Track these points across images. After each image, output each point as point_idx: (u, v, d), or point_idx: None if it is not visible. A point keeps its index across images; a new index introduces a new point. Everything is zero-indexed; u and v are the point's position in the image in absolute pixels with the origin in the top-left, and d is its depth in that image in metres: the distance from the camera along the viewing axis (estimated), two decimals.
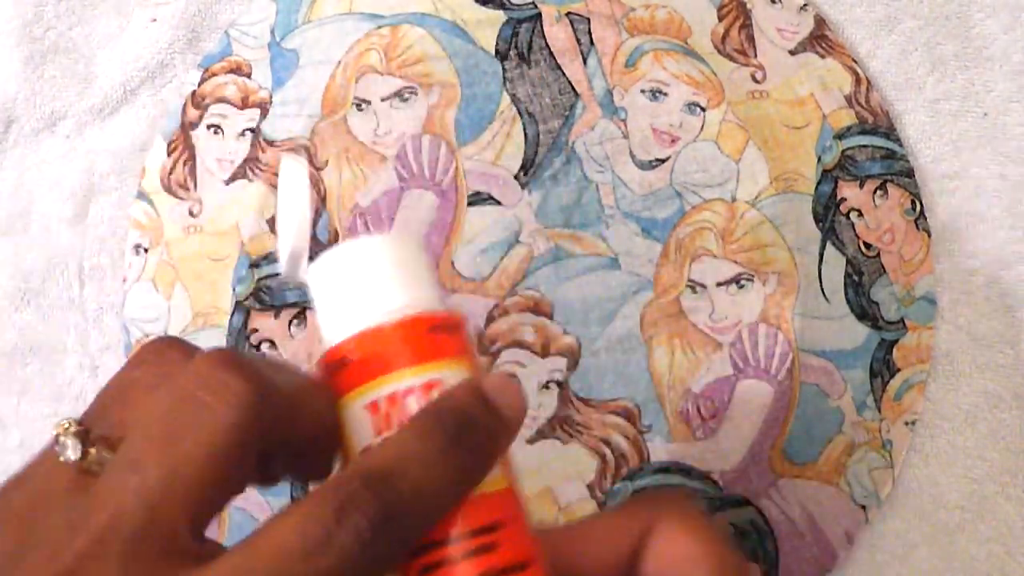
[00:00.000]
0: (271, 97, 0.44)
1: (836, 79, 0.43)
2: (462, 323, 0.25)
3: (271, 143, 0.43)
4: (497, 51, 0.43)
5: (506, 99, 0.43)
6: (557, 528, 0.26)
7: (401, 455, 0.21)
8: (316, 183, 0.43)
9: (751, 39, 0.43)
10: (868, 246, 0.42)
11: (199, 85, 0.45)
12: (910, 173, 0.43)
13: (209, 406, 0.21)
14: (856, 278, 0.42)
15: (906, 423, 0.41)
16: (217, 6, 0.46)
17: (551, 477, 0.41)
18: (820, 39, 0.43)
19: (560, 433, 0.41)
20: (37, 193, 0.46)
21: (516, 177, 0.43)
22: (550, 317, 0.42)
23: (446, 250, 0.42)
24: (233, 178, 0.44)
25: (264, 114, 0.44)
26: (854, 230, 0.42)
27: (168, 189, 0.44)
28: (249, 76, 0.44)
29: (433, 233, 0.42)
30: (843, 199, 0.42)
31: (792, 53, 0.43)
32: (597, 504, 0.41)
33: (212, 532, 0.43)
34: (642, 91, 0.43)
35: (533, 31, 0.43)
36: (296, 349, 0.42)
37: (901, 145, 0.43)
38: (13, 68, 0.46)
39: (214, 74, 0.45)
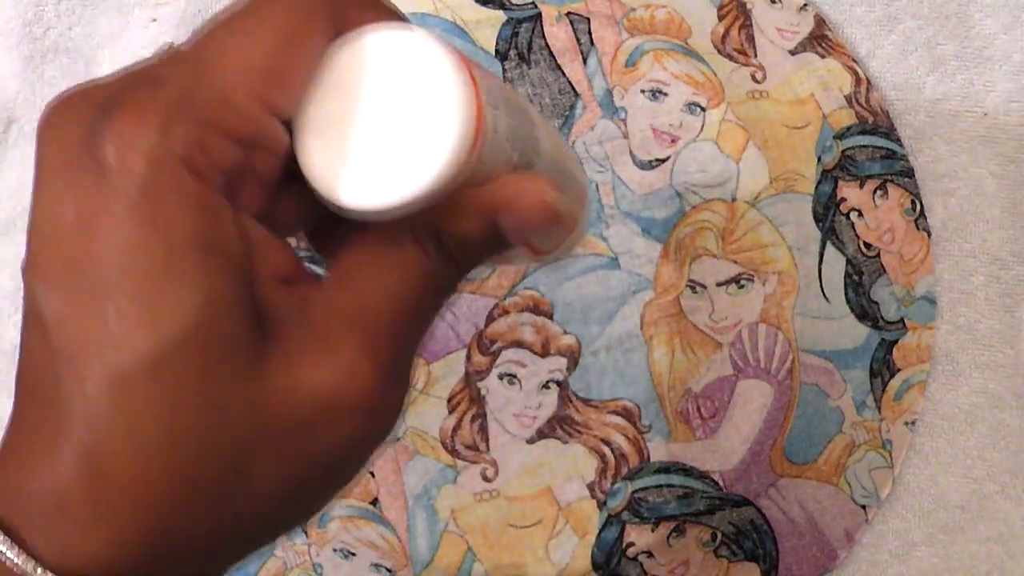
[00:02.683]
0: None
1: (836, 79, 0.43)
2: None
3: None
4: (497, 51, 0.43)
5: None
6: None
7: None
8: None
9: (751, 39, 0.43)
10: (868, 246, 0.42)
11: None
12: (910, 173, 0.43)
13: None
14: (856, 278, 0.42)
15: (906, 423, 0.41)
16: (217, 6, 0.46)
17: (551, 477, 0.41)
18: (820, 39, 0.43)
19: (560, 433, 0.41)
20: None
21: None
22: (550, 317, 0.42)
23: None
24: None
25: None
26: (854, 230, 0.42)
27: None
28: None
29: None
30: (843, 199, 0.42)
31: (792, 53, 0.43)
32: (597, 504, 0.41)
33: None
34: (642, 91, 0.43)
35: (533, 31, 0.43)
36: None
37: (901, 145, 0.43)
38: (13, 68, 0.46)
39: None
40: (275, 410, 0.18)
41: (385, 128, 0.18)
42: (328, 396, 0.19)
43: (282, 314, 0.19)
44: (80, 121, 0.18)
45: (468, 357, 0.42)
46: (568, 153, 0.25)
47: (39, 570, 0.17)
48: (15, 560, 0.17)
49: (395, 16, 0.21)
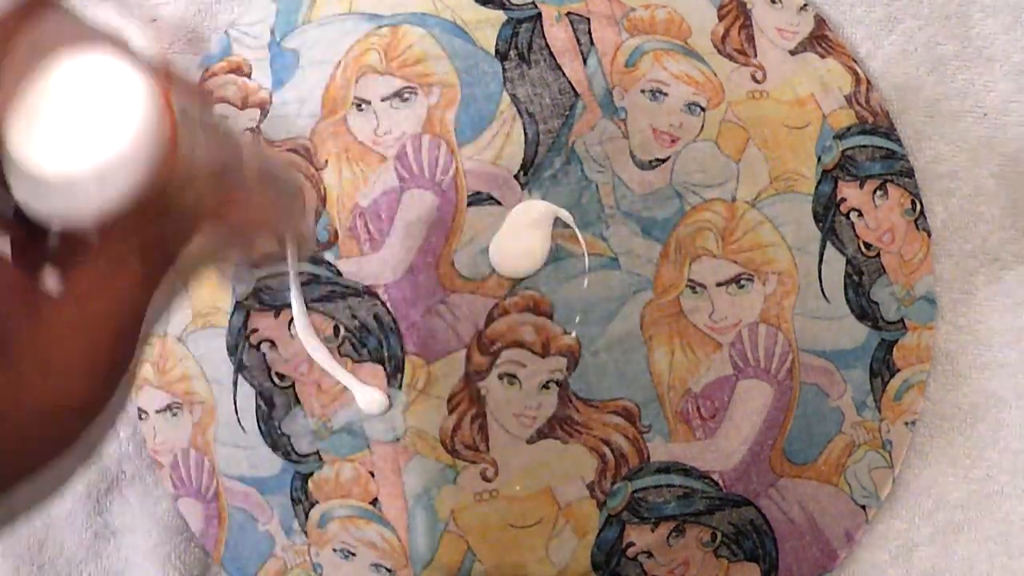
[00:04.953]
0: (271, 97, 0.44)
1: (836, 79, 0.43)
2: None
3: (271, 143, 0.43)
4: (497, 51, 0.43)
5: (506, 99, 0.43)
6: None
7: None
8: (316, 183, 0.43)
9: (751, 39, 0.43)
10: (868, 246, 0.42)
11: (199, 85, 0.45)
12: (910, 173, 0.43)
13: None
14: (856, 278, 0.42)
15: (906, 423, 0.41)
16: (217, 6, 0.46)
17: (551, 477, 0.41)
18: (820, 39, 0.43)
19: (560, 433, 0.41)
20: None
21: (516, 177, 0.43)
22: (550, 317, 0.42)
23: (446, 250, 0.42)
24: None
25: (264, 114, 0.44)
26: (854, 230, 0.42)
27: None
28: (249, 76, 0.44)
29: (433, 233, 0.42)
30: (843, 199, 0.42)
31: (792, 53, 0.43)
32: (597, 504, 0.41)
33: (212, 532, 0.43)
34: (642, 91, 0.43)
35: (533, 31, 0.43)
36: (297, 349, 0.42)
37: (901, 145, 0.43)
38: None
39: (214, 74, 0.45)
40: None
41: (79, 117, 0.21)
42: (41, 408, 0.21)
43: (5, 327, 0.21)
44: None
45: (468, 357, 0.42)
46: (277, 169, 0.30)
47: None
48: None
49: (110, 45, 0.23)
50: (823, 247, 0.42)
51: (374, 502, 0.42)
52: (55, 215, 0.21)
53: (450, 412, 0.42)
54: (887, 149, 0.43)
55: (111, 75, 0.22)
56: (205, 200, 0.23)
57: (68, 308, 0.21)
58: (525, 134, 0.43)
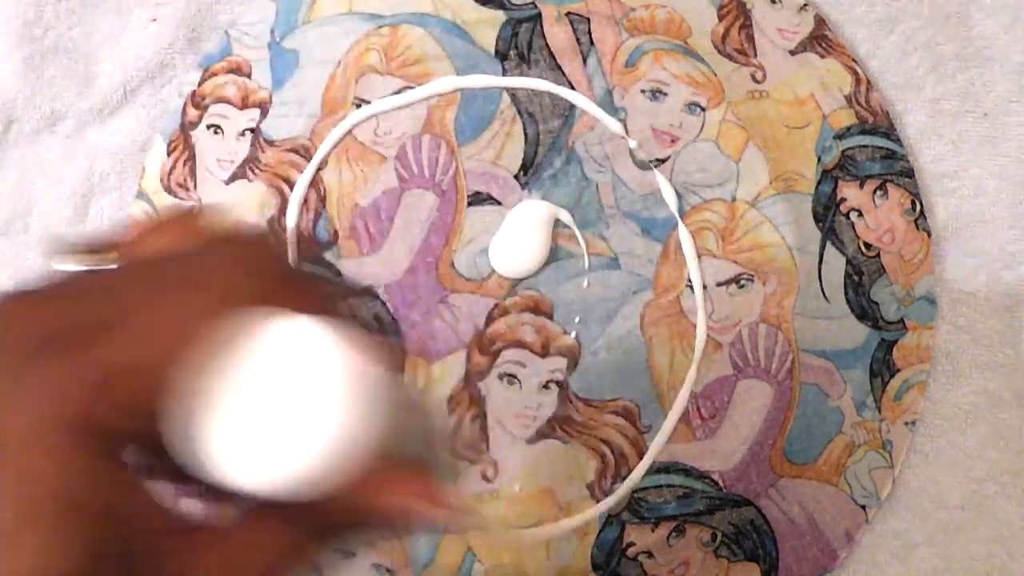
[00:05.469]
0: (271, 97, 0.44)
1: (836, 79, 0.43)
2: None
3: (271, 143, 0.43)
4: (497, 51, 0.43)
5: (506, 99, 0.43)
6: None
7: None
8: (317, 184, 0.43)
9: (751, 39, 0.43)
10: (868, 246, 0.42)
11: (199, 85, 0.45)
12: (910, 173, 0.43)
13: None
14: (856, 278, 0.42)
15: (906, 423, 0.41)
16: (217, 6, 0.46)
17: (551, 477, 0.41)
18: (820, 39, 0.43)
19: (560, 433, 0.41)
20: (37, 193, 0.46)
21: (516, 177, 0.43)
22: (550, 317, 0.42)
23: (446, 250, 0.42)
24: (233, 178, 0.44)
25: (264, 114, 0.44)
26: (854, 230, 0.42)
27: (168, 189, 0.44)
28: (249, 76, 0.44)
29: (433, 233, 0.42)
30: (843, 199, 0.42)
31: (792, 53, 0.43)
32: (597, 504, 0.41)
33: None
34: (642, 91, 0.43)
35: (533, 31, 0.43)
36: None
37: (901, 145, 0.43)
38: (13, 68, 0.46)
39: (214, 74, 0.45)
40: None
41: (277, 416, 0.19)
42: None
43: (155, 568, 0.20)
44: (16, 350, 0.19)
45: (468, 357, 0.42)
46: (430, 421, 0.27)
47: None
48: None
49: (322, 310, 0.21)
50: (823, 247, 0.42)
51: None
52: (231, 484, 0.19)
53: (450, 412, 0.42)
54: (887, 149, 0.43)
55: (316, 353, 0.19)
56: (395, 495, 0.22)
57: (217, 551, 0.21)
58: (525, 134, 0.43)
